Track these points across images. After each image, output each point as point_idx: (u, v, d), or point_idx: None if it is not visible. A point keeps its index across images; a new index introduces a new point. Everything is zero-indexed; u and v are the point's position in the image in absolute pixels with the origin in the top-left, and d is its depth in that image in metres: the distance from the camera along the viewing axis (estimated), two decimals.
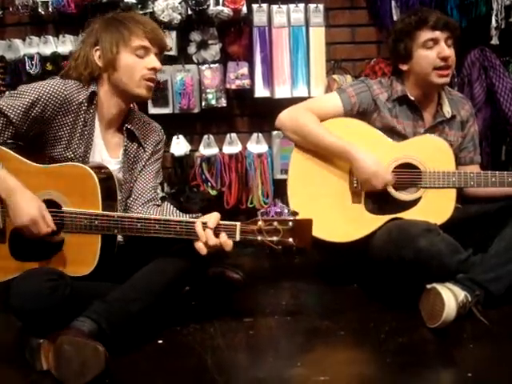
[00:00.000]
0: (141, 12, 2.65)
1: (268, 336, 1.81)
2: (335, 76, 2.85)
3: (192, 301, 1.99)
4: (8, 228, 1.70)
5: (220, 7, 2.72)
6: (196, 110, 2.90)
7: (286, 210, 1.72)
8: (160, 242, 1.73)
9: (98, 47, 1.80)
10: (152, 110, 2.84)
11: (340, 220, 2.08)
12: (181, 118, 2.93)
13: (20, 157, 1.71)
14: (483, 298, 1.81)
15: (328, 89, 2.81)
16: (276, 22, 2.84)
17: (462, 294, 1.75)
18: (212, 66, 2.85)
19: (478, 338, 1.70)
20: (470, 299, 1.76)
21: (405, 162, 2.08)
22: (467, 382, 1.48)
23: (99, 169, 1.75)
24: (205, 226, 1.66)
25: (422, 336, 1.73)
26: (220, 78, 2.87)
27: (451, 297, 1.72)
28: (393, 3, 2.84)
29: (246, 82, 2.86)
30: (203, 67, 2.86)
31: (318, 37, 2.85)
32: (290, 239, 1.65)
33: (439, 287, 1.75)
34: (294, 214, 1.69)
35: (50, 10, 2.76)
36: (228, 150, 2.96)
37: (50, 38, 2.83)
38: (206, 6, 2.72)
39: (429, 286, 1.79)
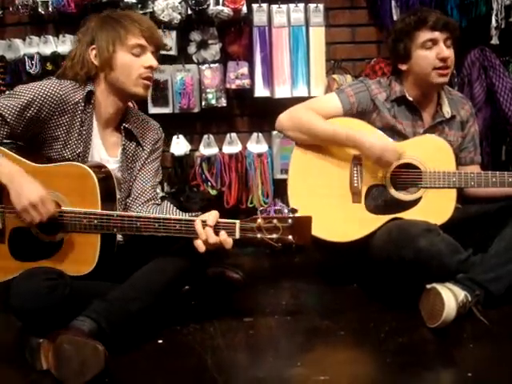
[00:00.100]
0: (141, 12, 2.63)
1: (268, 336, 1.81)
2: (335, 76, 2.85)
3: (192, 300, 1.99)
4: (8, 228, 1.70)
5: (220, 7, 2.72)
6: (196, 110, 2.90)
7: (285, 210, 1.72)
8: (160, 242, 1.73)
9: (93, 46, 1.79)
10: (152, 110, 2.83)
11: (340, 220, 2.08)
12: (181, 117, 2.92)
13: (19, 157, 1.71)
14: (483, 298, 1.81)
15: (328, 89, 2.80)
16: (276, 22, 2.83)
17: (461, 294, 1.75)
18: (212, 65, 2.85)
19: (477, 338, 1.70)
20: (470, 299, 1.76)
21: (405, 162, 2.08)
22: (467, 382, 1.48)
23: (98, 168, 1.75)
24: (204, 224, 1.66)
25: (422, 336, 1.72)
26: (220, 77, 2.86)
27: (451, 297, 1.72)
28: (393, 3, 2.83)
29: (246, 82, 2.86)
30: (203, 67, 2.85)
31: (318, 37, 2.84)
32: (290, 236, 1.64)
33: (439, 287, 1.75)
34: (294, 211, 1.68)
35: (50, 9, 2.75)
36: (228, 149, 2.96)
37: (50, 37, 2.82)
38: (205, 6, 2.71)
39: (429, 286, 1.79)
